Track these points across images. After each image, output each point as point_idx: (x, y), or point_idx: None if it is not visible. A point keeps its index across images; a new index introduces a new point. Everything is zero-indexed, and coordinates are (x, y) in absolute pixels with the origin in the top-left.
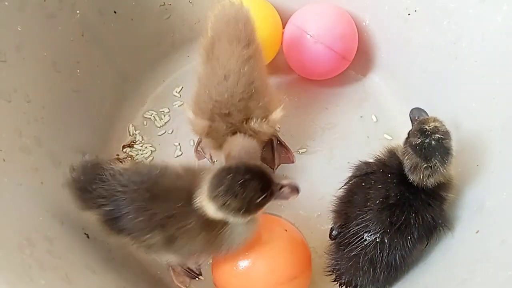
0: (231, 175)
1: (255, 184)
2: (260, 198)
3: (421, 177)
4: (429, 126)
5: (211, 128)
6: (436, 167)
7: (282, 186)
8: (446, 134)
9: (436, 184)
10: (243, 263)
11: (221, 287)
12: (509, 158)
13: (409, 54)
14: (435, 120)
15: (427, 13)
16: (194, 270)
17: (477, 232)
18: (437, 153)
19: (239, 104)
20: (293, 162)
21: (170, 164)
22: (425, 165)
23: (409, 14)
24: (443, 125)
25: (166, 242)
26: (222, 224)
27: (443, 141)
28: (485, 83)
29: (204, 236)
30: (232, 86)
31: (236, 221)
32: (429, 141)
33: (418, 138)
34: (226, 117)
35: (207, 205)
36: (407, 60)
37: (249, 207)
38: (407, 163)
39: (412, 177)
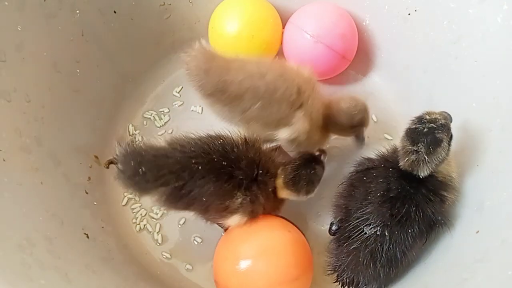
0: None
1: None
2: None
3: (408, 161)
4: (429, 116)
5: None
6: (420, 154)
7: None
8: (442, 127)
9: (434, 179)
10: (245, 263)
11: (223, 286)
12: (509, 158)
13: (409, 54)
14: (441, 114)
15: (427, 13)
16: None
17: (477, 232)
18: (424, 139)
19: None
20: None
21: (218, 132)
22: (411, 148)
23: (409, 14)
24: (446, 119)
25: (250, 202)
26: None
27: (435, 131)
28: (485, 83)
29: (271, 201)
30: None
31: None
32: (422, 127)
33: (414, 124)
34: (237, 101)
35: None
36: (407, 60)
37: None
38: (399, 148)
39: (401, 163)
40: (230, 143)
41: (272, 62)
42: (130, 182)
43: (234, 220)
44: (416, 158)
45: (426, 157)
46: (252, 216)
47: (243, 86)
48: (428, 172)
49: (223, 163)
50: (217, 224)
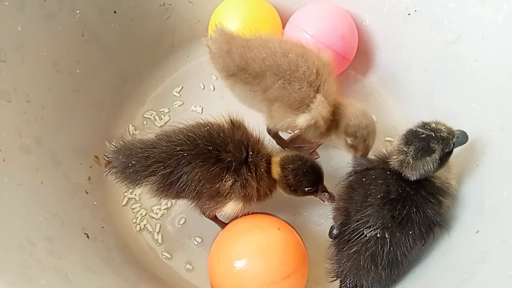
0: (299, 163)
1: (311, 178)
2: (308, 189)
3: (396, 159)
4: (435, 125)
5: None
6: (408, 156)
7: (326, 190)
8: (441, 139)
9: (432, 184)
10: (237, 264)
11: None
12: (509, 158)
13: (409, 54)
14: (445, 126)
15: (427, 13)
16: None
17: (477, 232)
18: (417, 143)
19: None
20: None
21: (205, 119)
22: (402, 148)
23: (409, 14)
24: (449, 134)
25: (240, 186)
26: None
27: (430, 140)
28: (485, 83)
29: (265, 183)
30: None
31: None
32: (420, 132)
33: (416, 127)
34: (258, 79)
35: (275, 171)
36: (407, 60)
37: (298, 189)
38: (394, 145)
39: (391, 161)
40: (216, 129)
41: (294, 42)
42: (122, 175)
43: (230, 208)
44: (403, 160)
45: (411, 160)
46: (247, 200)
47: (266, 63)
48: (415, 177)
49: (209, 147)
50: (216, 222)
